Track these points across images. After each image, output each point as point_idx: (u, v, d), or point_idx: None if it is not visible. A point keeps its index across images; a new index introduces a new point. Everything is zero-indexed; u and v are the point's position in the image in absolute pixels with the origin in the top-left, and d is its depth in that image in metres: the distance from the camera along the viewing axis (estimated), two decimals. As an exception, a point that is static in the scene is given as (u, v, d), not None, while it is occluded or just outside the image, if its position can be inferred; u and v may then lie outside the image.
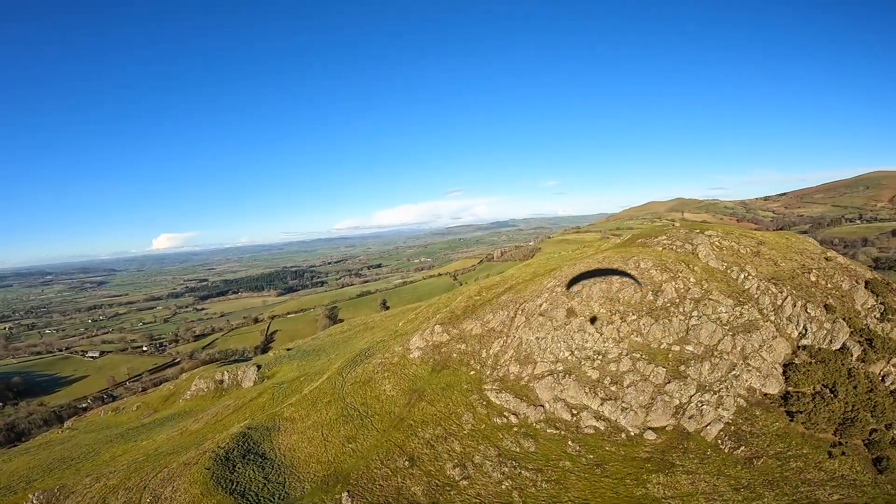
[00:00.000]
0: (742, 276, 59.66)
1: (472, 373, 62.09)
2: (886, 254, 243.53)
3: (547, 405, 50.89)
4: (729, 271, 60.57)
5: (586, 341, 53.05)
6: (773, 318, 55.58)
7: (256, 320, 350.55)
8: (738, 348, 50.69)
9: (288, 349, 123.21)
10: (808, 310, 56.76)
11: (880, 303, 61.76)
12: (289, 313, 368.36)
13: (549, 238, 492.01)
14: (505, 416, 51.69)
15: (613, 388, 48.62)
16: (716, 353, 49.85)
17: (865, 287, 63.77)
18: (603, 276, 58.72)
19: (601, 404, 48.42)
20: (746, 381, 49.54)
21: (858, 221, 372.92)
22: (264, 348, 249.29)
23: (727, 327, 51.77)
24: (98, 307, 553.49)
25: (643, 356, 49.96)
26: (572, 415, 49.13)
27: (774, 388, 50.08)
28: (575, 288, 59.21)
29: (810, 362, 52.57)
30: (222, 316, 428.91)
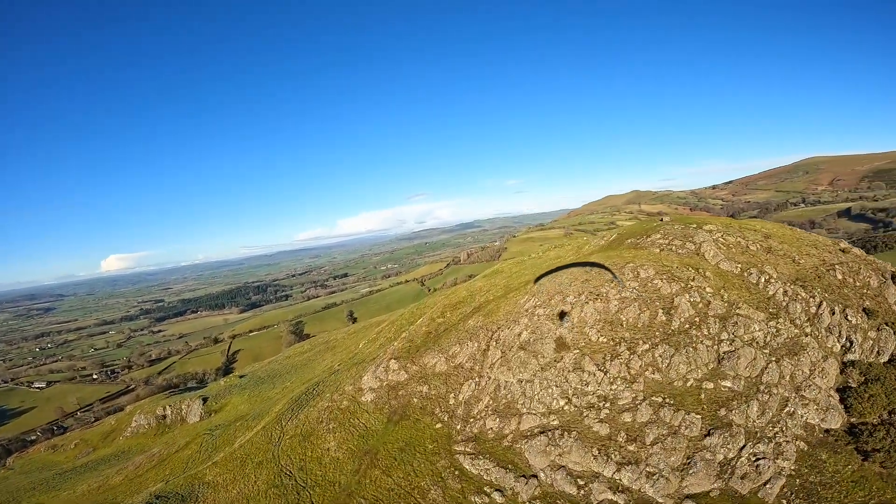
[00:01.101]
0: (763, 280, 48.47)
1: (439, 426, 48.36)
2: (836, 235, 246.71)
3: (542, 475, 37.59)
4: (746, 275, 49.27)
5: (587, 383, 40.14)
6: (808, 330, 44.48)
7: (216, 340, 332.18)
8: (787, 377, 38.99)
9: (241, 376, 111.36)
10: (849, 317, 46.05)
11: (915, 300, 52.10)
12: (251, 331, 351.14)
13: (515, 237, 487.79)
14: (486, 494, 38.10)
15: (632, 448, 35.79)
16: (762, 387, 37.89)
17: (894, 281, 54.17)
18: (595, 291, 46.21)
19: (617, 470, 35.50)
20: (803, 417, 37.81)
21: (802, 205, 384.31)
22: (226, 370, 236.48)
23: (767, 350, 40.01)
24: (46, 334, 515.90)
25: (666, 400, 37.40)
26: (578, 487, 36.01)
27: (836, 421, 38.65)
28: (561, 306, 46.42)
29: (866, 383, 41.70)
30: (181, 337, 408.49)
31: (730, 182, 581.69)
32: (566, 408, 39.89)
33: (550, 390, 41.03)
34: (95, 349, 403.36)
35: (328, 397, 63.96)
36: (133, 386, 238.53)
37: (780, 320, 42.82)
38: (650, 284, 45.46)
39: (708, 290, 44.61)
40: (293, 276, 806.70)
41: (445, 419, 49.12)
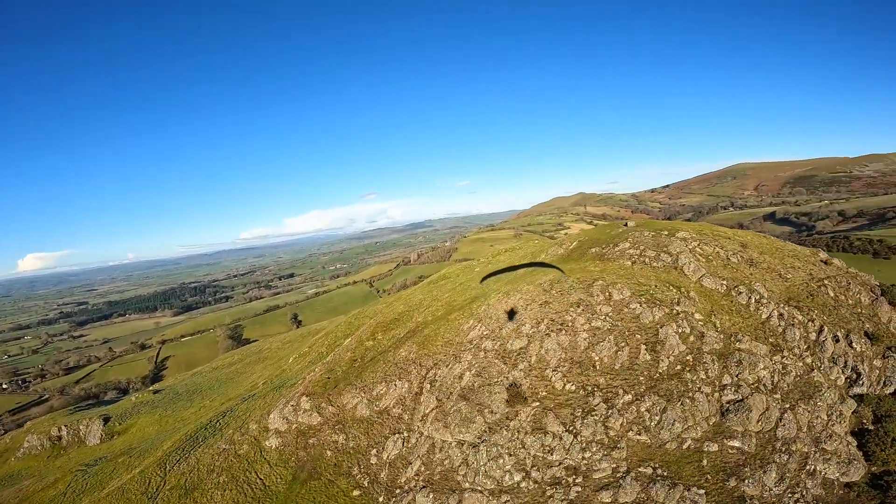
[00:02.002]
0: (753, 301, 40.07)
1: (356, 493, 36.57)
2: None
3: (488, 588, 26.53)
4: (735, 294, 40.71)
5: (551, 450, 29.50)
6: (809, 360, 36.42)
7: (143, 346, 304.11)
8: (805, 427, 30.18)
9: (155, 391, 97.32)
10: (853, 343, 38.44)
11: (908, 319, 45.83)
12: (184, 336, 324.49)
13: (465, 237, 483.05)
14: None
15: (611, 550, 25.42)
16: (779, 445, 28.81)
17: (884, 296, 47.88)
18: (558, 319, 35.93)
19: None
20: (822, 472, 29.09)
21: (731, 209, 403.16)
22: (154, 378, 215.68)
23: (778, 395, 31.10)
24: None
25: (659, 471, 27.40)
26: None
27: (858, 472, 30.36)
28: (515, 339, 35.80)
29: (879, 421, 34.02)
30: (105, 342, 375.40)
31: (667, 186, 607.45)
32: (523, 484, 29.06)
33: (502, 460, 30.05)
34: (9, 356, 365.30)
35: (228, 436, 50.97)
36: (46, 396, 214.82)
37: (785, 353, 34.25)
38: (627, 310, 35.66)
39: (697, 316, 35.37)
40: (235, 276, 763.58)
41: (365, 484, 37.27)
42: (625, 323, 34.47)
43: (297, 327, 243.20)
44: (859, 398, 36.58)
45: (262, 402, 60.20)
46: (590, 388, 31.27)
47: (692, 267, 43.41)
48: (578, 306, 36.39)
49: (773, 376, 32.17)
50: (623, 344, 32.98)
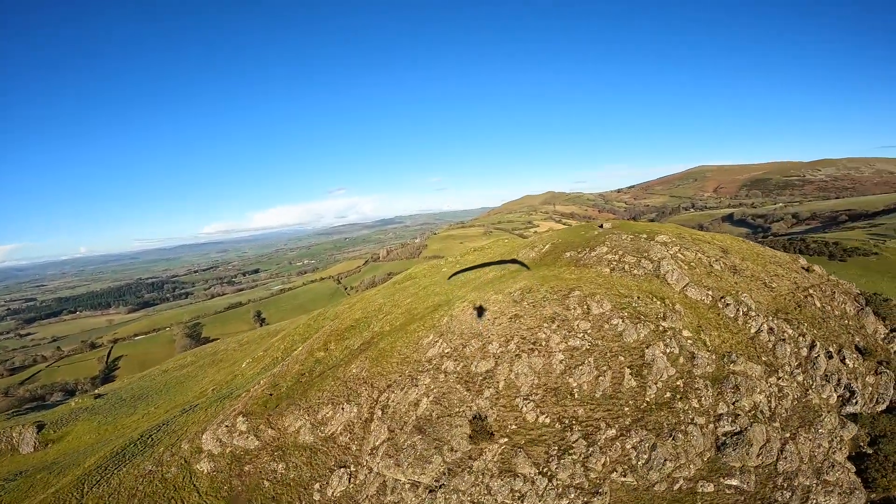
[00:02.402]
0: (741, 313, 36.54)
1: (297, 538, 30.96)
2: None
3: None
4: (721, 306, 37.06)
5: (522, 496, 24.68)
6: (801, 378, 33.09)
7: (94, 346, 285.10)
8: (807, 458, 26.51)
9: (97, 396, 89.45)
10: (846, 360, 35.41)
11: (892, 330, 43.63)
12: (137, 334, 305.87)
13: (435, 234, 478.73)
14: None
15: None
16: (780, 481, 24.97)
17: (866, 305, 45.61)
18: (530, 337, 31.26)
19: None
20: None
21: (692, 210, 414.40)
22: (105, 379, 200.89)
23: (777, 423, 27.36)
24: None
25: (646, 532, 22.99)
26: None
27: (859, 501, 27.01)
28: (480, 360, 30.92)
29: (875, 443, 31.00)
30: (53, 341, 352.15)
31: (632, 186, 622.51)
32: (488, 540, 24.17)
33: (463, 510, 25.04)
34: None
35: (158, 455, 44.53)
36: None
37: (781, 375, 30.66)
38: (608, 326, 31.28)
39: (686, 333, 31.34)
40: (196, 271, 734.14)
41: (307, 527, 31.77)
42: (606, 342, 30.05)
43: (261, 325, 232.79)
44: (853, 417, 33.67)
45: (202, 414, 53.70)
46: (567, 421, 26.65)
47: (675, 275, 39.58)
48: (553, 321, 31.79)
49: (769, 401, 28.48)
50: (605, 367, 28.53)
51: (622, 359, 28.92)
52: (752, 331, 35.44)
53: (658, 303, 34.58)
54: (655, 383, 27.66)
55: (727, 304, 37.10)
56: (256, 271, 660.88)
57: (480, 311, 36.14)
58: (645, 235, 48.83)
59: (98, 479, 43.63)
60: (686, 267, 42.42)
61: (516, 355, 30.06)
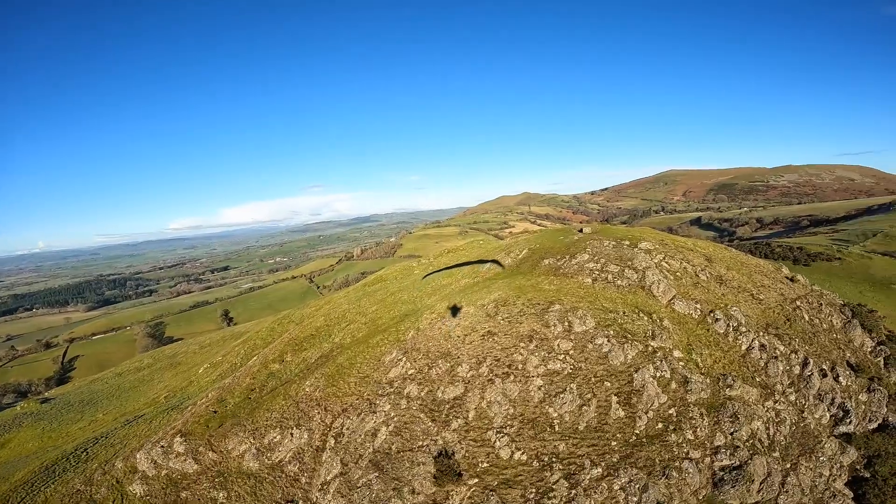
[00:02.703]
0: (731, 328, 33.85)
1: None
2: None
3: None
4: (710, 320, 34.30)
5: (490, 558, 20.90)
6: (793, 398, 30.58)
7: (49, 345, 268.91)
8: (808, 489, 23.81)
9: (44, 401, 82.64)
10: (840, 377, 33.12)
11: (879, 343, 41.97)
12: (95, 334, 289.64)
13: (411, 233, 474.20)
14: None
15: None
16: None
17: (852, 318, 43.89)
18: (505, 359, 27.63)
19: None
20: None
21: (662, 213, 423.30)
22: (60, 380, 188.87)
23: (777, 453, 24.53)
24: None
25: None
26: None
27: None
28: (448, 385, 27.10)
29: (871, 465, 28.67)
30: (8, 340, 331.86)
31: (605, 189, 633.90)
32: None
33: (424, 570, 21.15)
34: None
35: (90, 472, 39.33)
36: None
37: (777, 398, 27.92)
38: (592, 346, 27.89)
39: (677, 354, 28.27)
40: (161, 268, 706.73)
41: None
42: (590, 365, 26.64)
43: (229, 325, 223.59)
44: (847, 438, 31.39)
45: (145, 427, 48.32)
46: (546, 459, 23.07)
47: (662, 287, 36.65)
48: (531, 340, 28.22)
49: (768, 428, 25.70)
50: (589, 395, 25.09)
51: (608, 385, 25.55)
52: (744, 348, 32.78)
53: (645, 318, 31.48)
54: (646, 412, 24.39)
55: (717, 319, 34.35)
56: (226, 268, 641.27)
57: (450, 325, 32.33)
58: (627, 242, 45.95)
59: (23, 496, 38.31)
60: (672, 277, 39.63)
61: (489, 380, 26.33)
